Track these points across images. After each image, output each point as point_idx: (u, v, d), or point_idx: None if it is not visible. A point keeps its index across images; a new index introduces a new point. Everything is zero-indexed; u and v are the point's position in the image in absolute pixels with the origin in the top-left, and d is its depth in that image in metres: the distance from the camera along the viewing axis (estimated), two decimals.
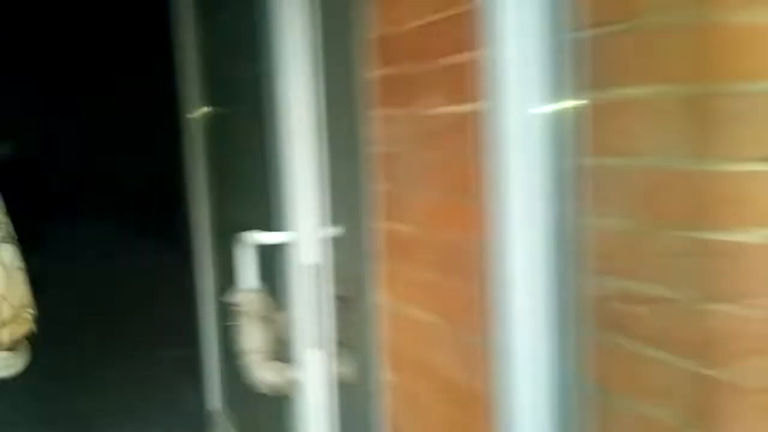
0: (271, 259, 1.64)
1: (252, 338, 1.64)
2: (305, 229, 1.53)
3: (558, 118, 0.97)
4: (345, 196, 1.57)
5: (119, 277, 7.18)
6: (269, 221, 1.66)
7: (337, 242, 1.57)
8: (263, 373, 1.63)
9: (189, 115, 2.56)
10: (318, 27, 1.50)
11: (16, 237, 1.56)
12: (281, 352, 1.63)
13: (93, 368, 4.71)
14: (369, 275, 1.56)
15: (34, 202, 6.51)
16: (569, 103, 0.97)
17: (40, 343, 5.16)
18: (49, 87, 10.02)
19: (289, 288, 1.57)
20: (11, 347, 1.55)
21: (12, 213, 6.09)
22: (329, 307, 1.55)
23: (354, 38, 1.53)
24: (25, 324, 1.57)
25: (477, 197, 1.13)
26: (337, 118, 1.55)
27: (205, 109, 2.42)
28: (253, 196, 1.89)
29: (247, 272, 1.63)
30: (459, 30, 1.17)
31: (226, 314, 2.56)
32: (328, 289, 1.55)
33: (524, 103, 0.97)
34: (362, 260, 1.58)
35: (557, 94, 0.96)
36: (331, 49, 1.53)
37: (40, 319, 5.61)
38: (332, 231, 1.55)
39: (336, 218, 1.56)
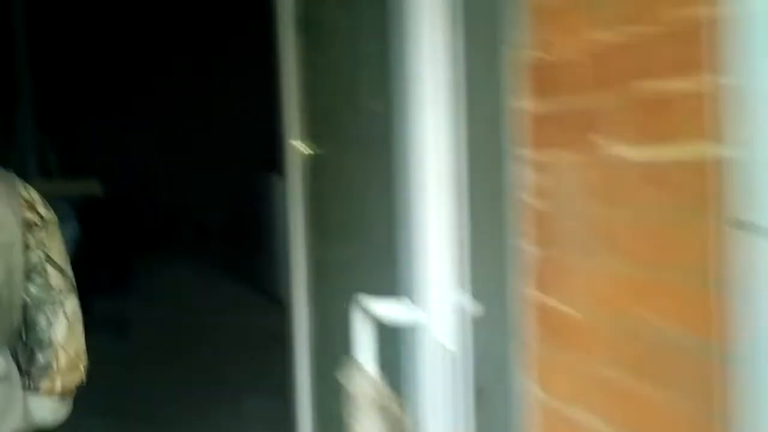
0: (391, 334, 1.33)
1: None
2: (439, 303, 1.22)
3: None
4: (484, 262, 1.25)
5: (202, 320, 7.05)
6: (390, 287, 1.35)
7: (476, 320, 1.25)
8: None
9: (288, 154, 2.33)
10: (460, 52, 1.20)
11: (77, 286, 1.59)
12: None
13: (175, 419, 4.49)
14: (515, 362, 1.23)
15: (118, 242, 6.48)
16: None
17: (121, 389, 4.96)
18: (140, 123, 10.22)
19: (415, 375, 1.26)
20: (62, 396, 1.57)
21: (96, 254, 5.94)
22: (466, 402, 1.23)
23: (500, 64, 1.23)
24: (77, 374, 1.59)
25: (710, 278, 0.79)
26: (477, 162, 1.24)
27: (308, 147, 2.18)
28: (368, 253, 1.60)
29: (364, 350, 1.32)
30: (679, 46, 0.85)
31: (325, 373, 2.26)
32: (467, 379, 1.23)
33: None
34: (505, 343, 1.25)
35: None
36: (473, 77, 1.23)
37: (120, 363, 5.42)
38: (472, 306, 1.23)
39: (475, 290, 1.24)
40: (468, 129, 1.22)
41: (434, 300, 1.23)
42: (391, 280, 1.36)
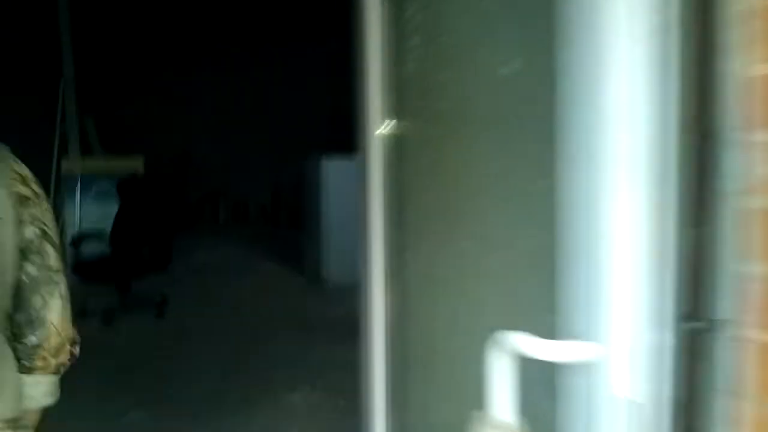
0: (539, 375, 1.00)
1: None
2: (623, 338, 0.89)
3: None
4: (691, 284, 0.91)
5: (244, 303, 6.82)
6: (538, 312, 1.02)
7: (675, 361, 0.92)
8: None
9: (365, 133, 2.01)
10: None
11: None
12: None
13: (214, 413, 4.23)
14: (728, 419, 0.90)
15: (159, 220, 6.25)
16: None
17: (159, 379, 4.73)
18: (184, 101, 9.99)
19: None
20: (55, 372, 1.58)
21: (138, 231, 5.68)
22: None
23: (720, 12, 0.88)
24: (65, 354, 1.59)
25: None
26: (687, 149, 0.90)
27: (393, 126, 1.86)
28: (496, 261, 1.27)
29: (501, 396, 1.00)
30: None
31: (401, 363, 1.95)
32: None
33: None
34: (713, 393, 0.91)
35: None
36: (681, 34, 0.88)
37: (161, 349, 5.17)
38: (672, 343, 0.90)
39: (678, 321, 0.91)
40: (678, 104, 0.88)
41: (616, 333, 0.90)
42: (541, 302, 1.04)
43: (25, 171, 1.53)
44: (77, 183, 7.36)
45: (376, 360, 2.11)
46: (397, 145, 1.84)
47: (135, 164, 7.73)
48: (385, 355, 2.10)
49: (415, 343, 1.95)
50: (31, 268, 1.48)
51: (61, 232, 7.63)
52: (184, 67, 9.84)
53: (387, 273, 2.04)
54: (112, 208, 6.54)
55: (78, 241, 6.43)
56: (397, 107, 1.81)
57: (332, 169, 7.16)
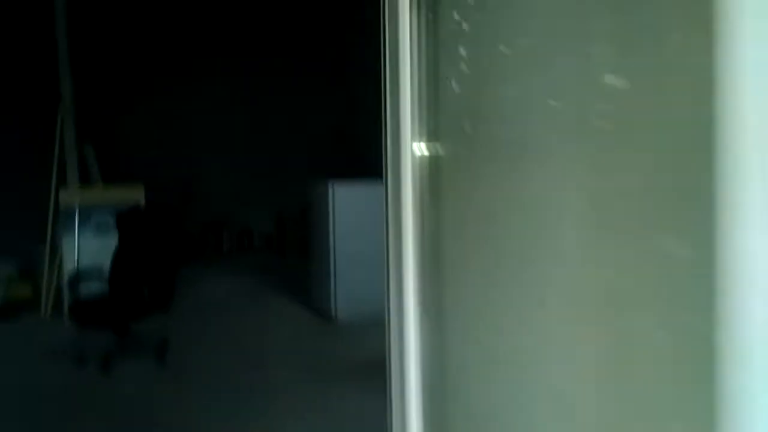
0: None
1: None
2: None
3: None
4: None
5: (250, 344, 6.50)
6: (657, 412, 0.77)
7: None
8: None
9: (394, 156, 1.78)
10: None
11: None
12: None
13: None
14: None
15: (160, 256, 5.97)
16: None
17: (160, 419, 4.32)
18: (183, 128, 9.78)
19: None
20: None
21: (138, 269, 5.37)
22: None
23: None
24: None
25: None
26: None
27: (425, 146, 1.63)
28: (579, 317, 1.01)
29: None
30: None
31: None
32: None
33: None
34: None
35: None
36: None
37: (162, 399, 4.82)
38: None
39: None
40: None
41: None
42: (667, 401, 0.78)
43: None
44: (75, 215, 7.11)
45: (411, 418, 1.84)
46: (433, 170, 1.61)
47: (135, 193, 7.49)
48: (422, 413, 1.83)
49: (460, 399, 1.69)
50: None
51: (59, 268, 7.36)
52: (184, 94, 9.66)
53: (422, 314, 1.79)
54: (112, 242, 6.27)
55: (75, 281, 6.13)
56: (434, 127, 1.58)
57: (341, 194, 6.85)
